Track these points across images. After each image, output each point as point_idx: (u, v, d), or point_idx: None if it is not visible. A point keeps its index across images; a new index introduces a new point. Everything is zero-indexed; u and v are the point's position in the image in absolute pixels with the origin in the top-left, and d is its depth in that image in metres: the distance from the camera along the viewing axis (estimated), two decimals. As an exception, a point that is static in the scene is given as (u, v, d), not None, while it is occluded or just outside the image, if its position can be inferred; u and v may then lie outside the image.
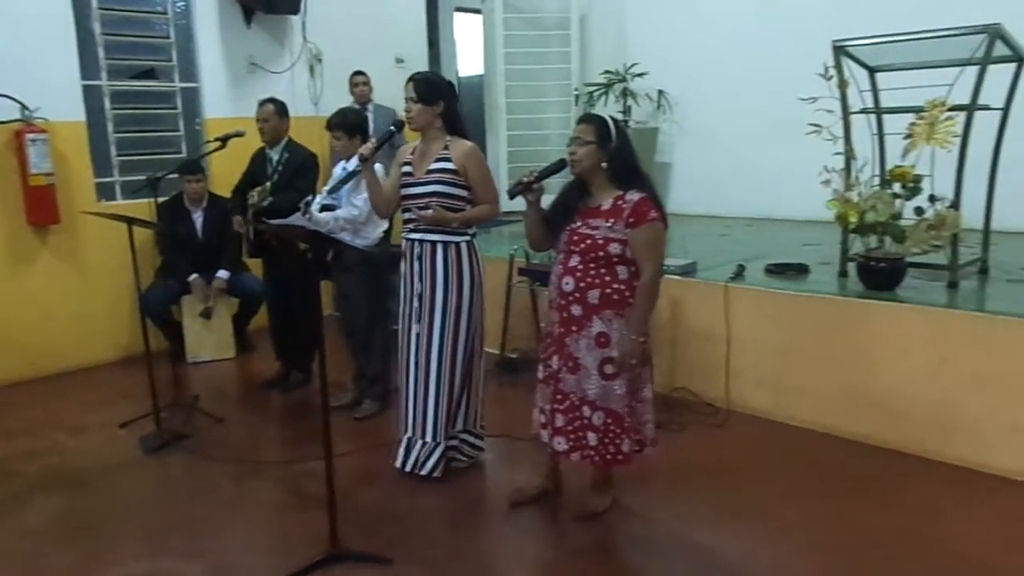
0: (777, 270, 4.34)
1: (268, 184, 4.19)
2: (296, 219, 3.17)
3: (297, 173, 4.24)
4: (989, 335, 3.36)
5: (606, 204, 2.76)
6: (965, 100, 3.65)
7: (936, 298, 3.68)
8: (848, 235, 4.02)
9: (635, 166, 2.81)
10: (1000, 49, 3.75)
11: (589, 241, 2.74)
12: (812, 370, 3.84)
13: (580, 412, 2.84)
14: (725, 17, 6.80)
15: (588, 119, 2.84)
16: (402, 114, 3.28)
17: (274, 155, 4.32)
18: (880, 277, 3.78)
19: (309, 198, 3.86)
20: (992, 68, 3.80)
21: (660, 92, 7.30)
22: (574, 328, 2.81)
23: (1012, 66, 3.96)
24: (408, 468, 3.36)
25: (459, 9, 9.45)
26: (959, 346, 3.42)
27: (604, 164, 2.76)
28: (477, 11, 8.08)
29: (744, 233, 6.00)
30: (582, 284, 2.77)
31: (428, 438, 3.32)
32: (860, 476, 3.37)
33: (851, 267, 4.03)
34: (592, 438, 2.82)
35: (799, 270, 4.32)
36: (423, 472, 3.32)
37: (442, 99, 3.19)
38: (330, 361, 2.80)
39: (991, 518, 3.00)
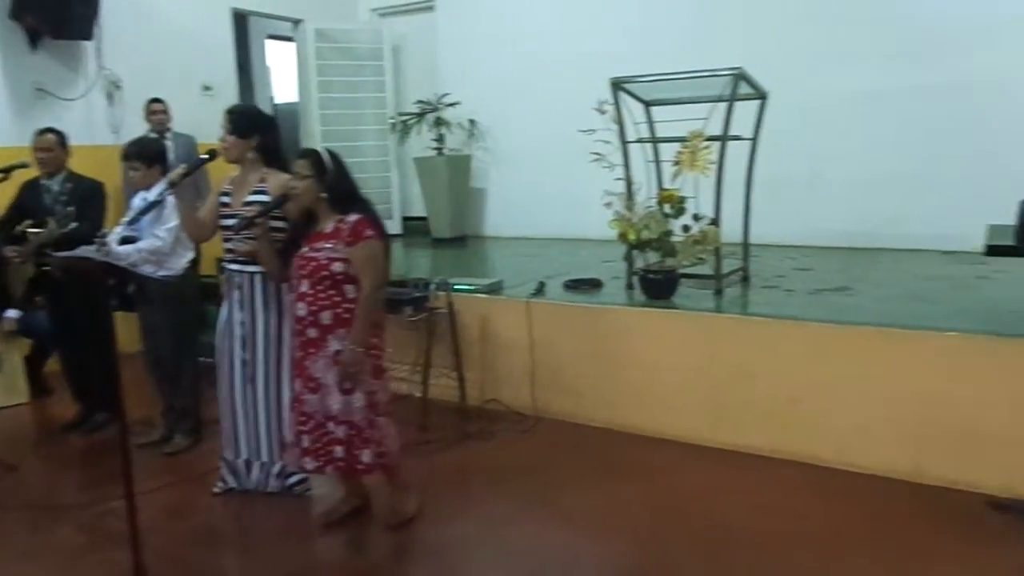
0: (574, 285, 4.73)
1: (69, 210, 3.99)
2: (85, 251, 3.11)
3: (86, 203, 4.09)
4: (750, 334, 3.89)
5: (328, 228, 3.00)
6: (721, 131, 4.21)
7: (705, 304, 4.20)
8: (632, 251, 4.46)
9: (353, 192, 3.07)
10: (746, 88, 4.35)
11: (314, 264, 2.95)
12: (605, 374, 4.23)
13: (326, 428, 3.02)
14: (527, 51, 7.25)
15: (305, 154, 3.08)
16: (204, 142, 3.32)
17: (54, 185, 4.15)
18: (658, 288, 4.25)
19: (105, 231, 3.76)
20: (743, 104, 4.43)
21: (471, 121, 7.64)
22: (311, 350, 3.00)
23: (757, 102, 4.59)
24: (247, 486, 3.44)
25: (271, 36, 9.39)
26: (724, 345, 3.92)
27: (323, 194, 2.99)
28: (290, 39, 8.10)
29: (551, 252, 6.43)
30: (314, 307, 2.97)
31: (265, 458, 3.41)
32: (642, 465, 3.77)
33: (636, 280, 4.49)
34: (339, 450, 3.02)
35: (593, 284, 4.74)
36: (269, 490, 3.43)
37: (258, 132, 3.28)
38: (138, 397, 2.80)
39: (750, 492, 3.46)
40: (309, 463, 3.06)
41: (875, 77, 5.67)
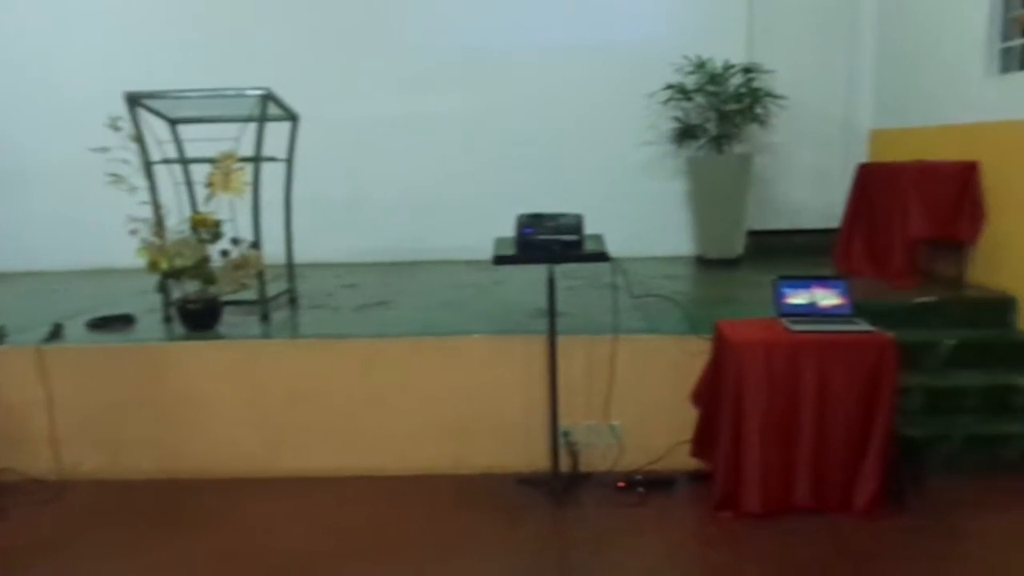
0: (101, 324, 4.17)
1: None
2: None
3: None
4: (300, 356, 3.85)
5: None
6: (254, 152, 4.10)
7: (252, 331, 4.05)
8: (167, 281, 4.10)
9: None
10: (276, 109, 4.31)
11: None
12: (147, 419, 3.81)
13: None
14: (23, 65, 6.23)
15: None
16: None
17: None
18: (199, 318, 3.98)
19: None
20: (279, 125, 4.39)
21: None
22: None
23: (289, 123, 4.60)
24: None
25: None
26: (276, 370, 3.83)
27: None
28: None
29: (72, 288, 5.60)
30: None
31: None
32: (201, 510, 3.49)
33: (175, 312, 4.13)
34: None
35: (124, 321, 4.24)
36: None
37: None
38: None
39: (317, 515, 3.44)
40: None
41: (400, 103, 6.14)
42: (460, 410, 3.79)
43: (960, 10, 4.83)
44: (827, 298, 3.52)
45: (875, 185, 5.11)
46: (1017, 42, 4.52)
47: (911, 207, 4.63)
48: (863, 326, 3.36)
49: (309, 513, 3.46)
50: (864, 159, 5.87)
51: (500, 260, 3.36)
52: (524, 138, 6.16)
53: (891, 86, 5.89)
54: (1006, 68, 4.60)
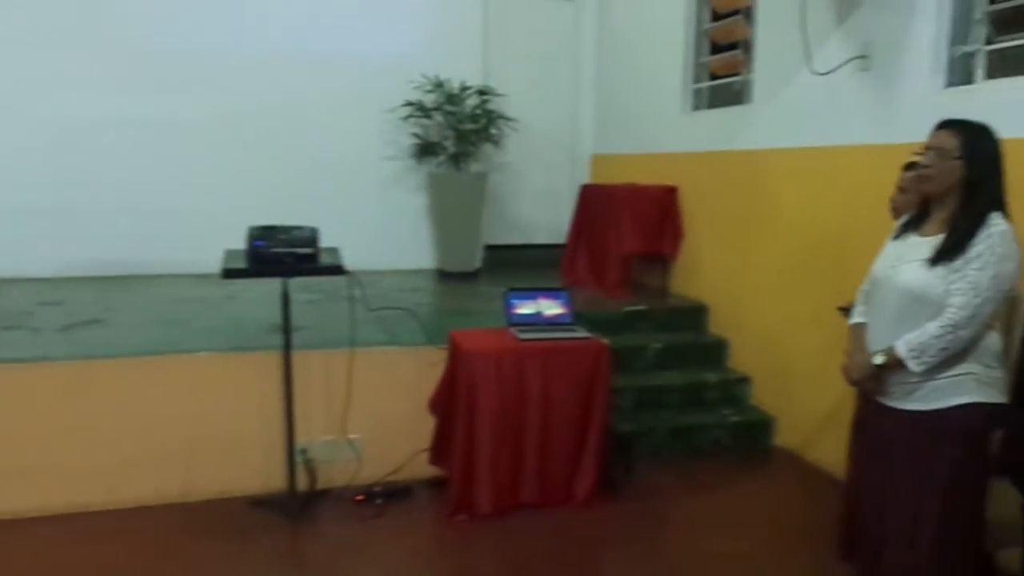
0: None
1: None
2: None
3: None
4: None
5: None
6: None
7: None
8: None
9: None
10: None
11: None
12: None
13: None
14: None
15: None
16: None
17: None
18: None
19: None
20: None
21: None
22: None
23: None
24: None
25: None
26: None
27: None
28: None
29: None
30: None
31: None
32: None
33: None
34: None
35: None
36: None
37: None
38: None
39: (16, 562, 3.01)
40: None
41: (120, 105, 5.58)
42: (188, 434, 3.54)
43: (661, 54, 5.49)
44: (551, 308, 3.80)
45: (594, 205, 5.61)
46: (706, 84, 5.24)
47: (624, 225, 5.15)
48: (582, 333, 3.67)
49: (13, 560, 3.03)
50: (587, 180, 6.43)
51: (229, 274, 3.20)
52: (262, 148, 5.91)
53: (607, 116, 6.52)
54: (697, 106, 5.31)
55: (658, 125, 5.58)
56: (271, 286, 3.42)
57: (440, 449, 3.68)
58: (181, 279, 5.47)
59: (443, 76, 5.94)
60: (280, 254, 3.25)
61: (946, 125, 2.23)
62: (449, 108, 5.91)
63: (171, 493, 3.52)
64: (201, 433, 3.55)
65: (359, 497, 3.53)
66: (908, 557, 2.24)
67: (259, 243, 3.26)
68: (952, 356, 2.15)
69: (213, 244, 3.57)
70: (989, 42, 3.22)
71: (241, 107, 5.84)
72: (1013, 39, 3.10)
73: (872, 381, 2.31)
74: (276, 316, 3.44)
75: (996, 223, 2.13)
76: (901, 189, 2.80)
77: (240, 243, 3.31)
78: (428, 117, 5.95)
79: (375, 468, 3.67)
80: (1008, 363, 2.28)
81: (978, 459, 2.18)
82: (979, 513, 2.25)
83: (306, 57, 5.94)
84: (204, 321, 4.30)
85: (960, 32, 3.29)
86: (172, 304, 4.76)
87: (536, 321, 3.75)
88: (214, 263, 3.29)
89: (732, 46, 4.87)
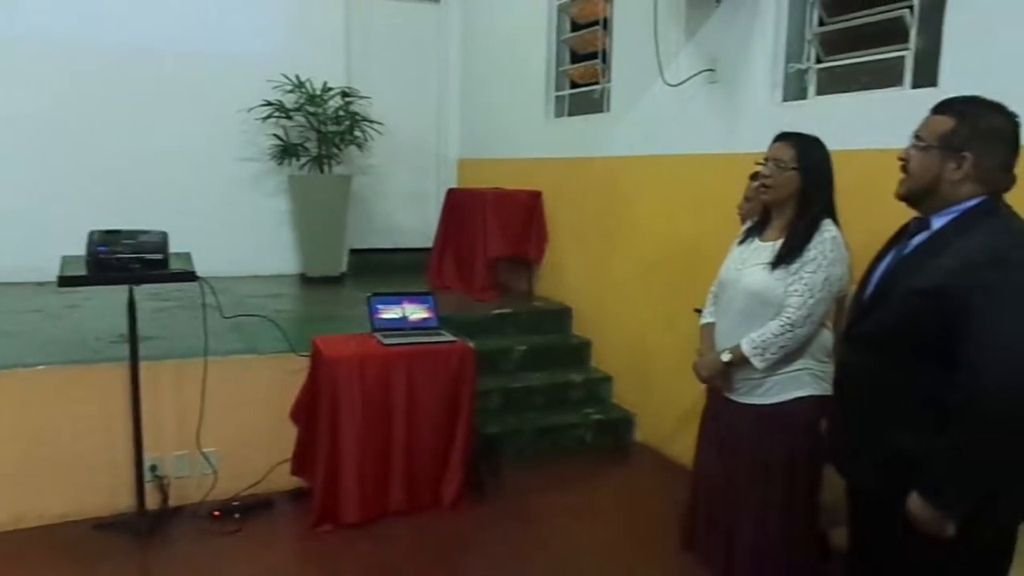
0: None
1: None
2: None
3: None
4: None
5: None
6: None
7: None
8: None
9: None
10: None
11: None
12: None
13: None
14: None
15: None
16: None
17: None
18: None
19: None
20: None
21: None
22: None
23: None
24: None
25: None
26: None
27: None
28: None
29: None
30: None
31: None
32: None
33: None
34: None
35: None
36: None
37: None
38: None
39: None
40: None
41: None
42: (22, 454, 3.26)
43: (524, 61, 5.59)
44: (416, 312, 3.78)
45: (461, 208, 5.64)
46: (567, 92, 5.38)
47: (489, 229, 5.21)
48: (447, 337, 3.68)
49: None
50: (453, 184, 6.45)
51: (67, 282, 2.98)
52: (109, 147, 5.55)
53: (473, 121, 6.57)
54: (559, 113, 5.44)
55: (523, 131, 5.67)
56: (117, 295, 3.21)
57: (303, 459, 3.57)
58: (17, 288, 5.03)
59: (304, 76, 5.78)
60: (125, 260, 3.06)
61: (783, 137, 2.41)
62: (310, 109, 5.76)
63: (3, 519, 3.23)
64: (39, 453, 3.29)
65: (216, 513, 3.37)
66: (758, 541, 2.39)
67: (101, 248, 3.05)
68: (790, 353, 2.32)
69: (54, 250, 3.33)
70: (819, 61, 3.49)
71: (86, 103, 5.47)
72: (839, 59, 3.37)
73: (720, 378, 2.45)
74: (123, 326, 3.23)
75: (828, 229, 2.32)
76: (747, 198, 2.99)
77: (83, 249, 3.09)
78: (289, 118, 5.78)
79: (233, 482, 3.52)
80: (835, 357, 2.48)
81: (814, 447, 2.36)
82: (816, 496, 2.44)
83: (158, 52, 5.62)
84: (43, 333, 3.98)
85: (795, 50, 3.54)
86: (5, 315, 4.37)
87: (401, 326, 3.72)
88: (54, 270, 3.05)
89: (591, 55, 5.03)
